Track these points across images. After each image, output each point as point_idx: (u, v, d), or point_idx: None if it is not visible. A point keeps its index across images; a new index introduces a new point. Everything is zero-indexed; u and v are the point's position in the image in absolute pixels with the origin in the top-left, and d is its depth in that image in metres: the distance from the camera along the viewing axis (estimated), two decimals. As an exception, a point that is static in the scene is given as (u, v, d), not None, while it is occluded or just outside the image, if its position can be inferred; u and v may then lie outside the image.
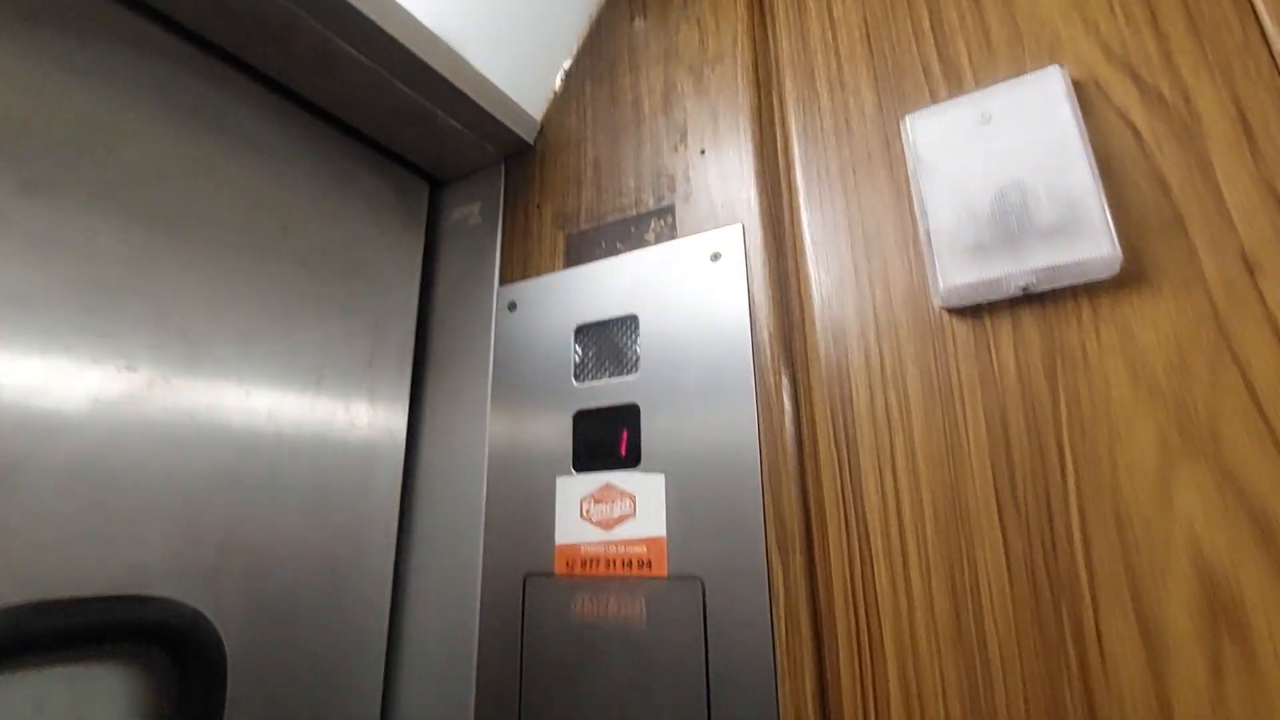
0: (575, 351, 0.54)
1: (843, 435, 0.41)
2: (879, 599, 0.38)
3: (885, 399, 0.40)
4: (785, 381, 0.44)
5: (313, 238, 0.57)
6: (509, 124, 0.60)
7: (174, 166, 0.49)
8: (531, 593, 0.50)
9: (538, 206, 0.61)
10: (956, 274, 0.38)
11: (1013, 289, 0.37)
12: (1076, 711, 0.32)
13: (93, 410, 0.42)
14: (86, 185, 0.44)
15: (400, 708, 0.54)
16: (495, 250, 0.62)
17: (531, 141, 0.63)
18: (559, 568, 0.49)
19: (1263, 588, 0.30)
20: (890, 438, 0.40)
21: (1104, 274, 0.35)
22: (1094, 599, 0.33)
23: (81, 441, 0.42)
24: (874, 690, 0.37)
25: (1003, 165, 0.38)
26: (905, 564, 0.38)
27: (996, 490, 0.36)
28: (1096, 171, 0.35)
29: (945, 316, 0.40)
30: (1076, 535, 0.34)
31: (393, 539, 0.57)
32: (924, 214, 0.40)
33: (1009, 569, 0.35)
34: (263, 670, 0.48)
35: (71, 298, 0.42)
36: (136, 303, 0.45)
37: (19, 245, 0.40)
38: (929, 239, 0.39)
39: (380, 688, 0.54)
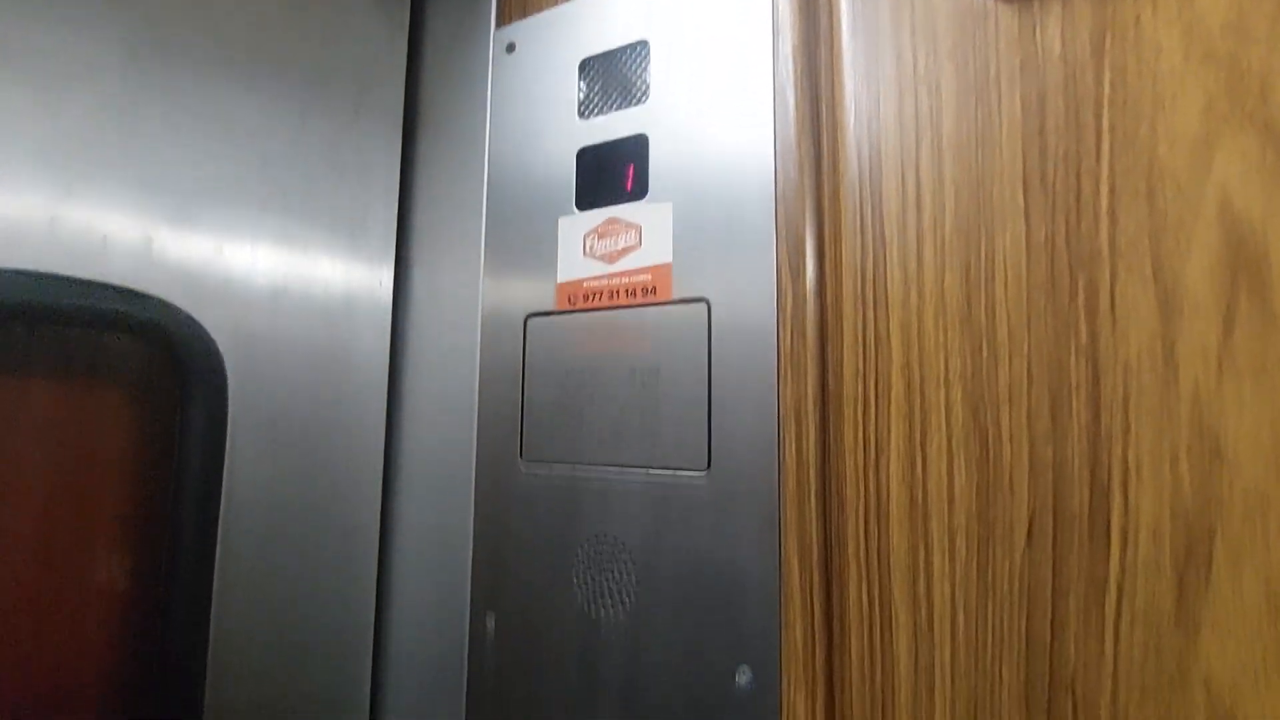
0: (580, 88, 0.50)
1: (865, 143, 0.39)
2: (889, 298, 0.37)
3: (916, 98, 0.38)
4: (806, 92, 0.42)
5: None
6: None
7: None
8: (533, 332, 0.49)
9: (539, -64, 0.55)
10: (1010, -57, 0.34)
11: (1069, -42, 0.34)
12: (1081, 385, 0.33)
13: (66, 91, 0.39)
14: None
15: (404, 450, 0.55)
16: (491, -9, 0.56)
17: None
18: (560, 304, 0.48)
19: (1291, 240, 0.29)
20: (917, 137, 0.38)
21: (1174, -68, 0.32)
22: (1113, 272, 0.32)
23: (60, 128, 0.39)
24: (875, 383, 0.37)
25: None
26: (920, 263, 0.37)
27: (1025, 178, 0.35)
28: None
29: (990, 4, 0.37)
30: (1104, 213, 0.33)
31: (389, 285, 0.56)
32: (980, -124, 0.35)
33: (1028, 253, 0.34)
34: (263, 401, 0.48)
35: None
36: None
37: None
38: (983, -93, 0.35)
39: (383, 429, 0.55)
